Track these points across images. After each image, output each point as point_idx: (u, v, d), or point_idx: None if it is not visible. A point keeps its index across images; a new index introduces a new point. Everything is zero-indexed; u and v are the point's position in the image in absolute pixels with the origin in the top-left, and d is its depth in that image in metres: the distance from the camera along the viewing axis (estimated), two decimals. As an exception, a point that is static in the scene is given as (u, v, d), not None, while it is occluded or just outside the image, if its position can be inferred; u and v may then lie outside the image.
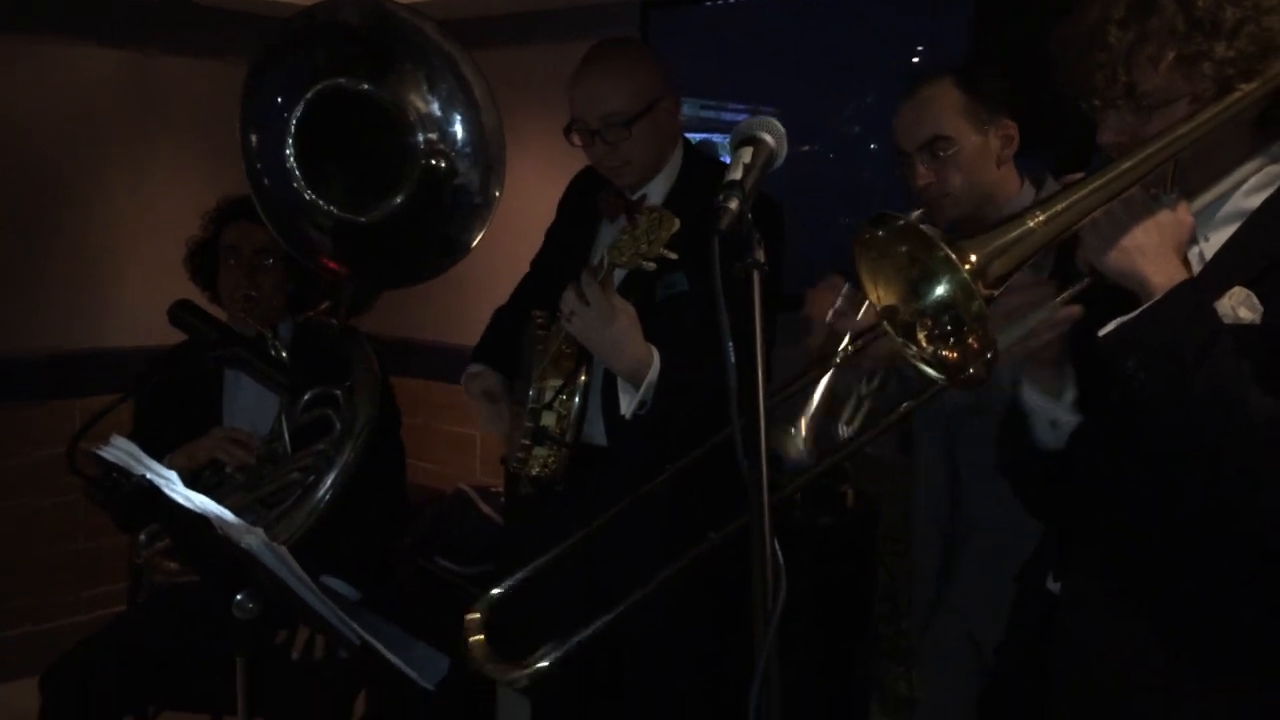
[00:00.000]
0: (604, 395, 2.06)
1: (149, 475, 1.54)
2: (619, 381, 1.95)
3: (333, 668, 2.29)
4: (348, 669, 2.30)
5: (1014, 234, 1.14)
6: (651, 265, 1.80)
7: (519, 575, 1.45)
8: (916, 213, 1.82)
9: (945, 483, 2.03)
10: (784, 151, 1.27)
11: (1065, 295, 1.28)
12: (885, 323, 1.23)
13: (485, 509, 3.29)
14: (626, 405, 1.93)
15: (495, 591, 1.45)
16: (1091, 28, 1.26)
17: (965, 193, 1.87)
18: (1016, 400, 1.39)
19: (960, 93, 1.87)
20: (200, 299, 2.53)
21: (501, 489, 3.35)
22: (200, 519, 1.47)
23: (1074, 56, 1.28)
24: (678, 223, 1.77)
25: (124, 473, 1.57)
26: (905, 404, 1.37)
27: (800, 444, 1.53)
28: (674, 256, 1.77)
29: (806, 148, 3.35)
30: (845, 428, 1.49)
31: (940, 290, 1.15)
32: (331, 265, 2.40)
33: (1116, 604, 1.33)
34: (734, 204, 1.15)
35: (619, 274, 1.95)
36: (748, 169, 1.20)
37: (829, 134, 3.27)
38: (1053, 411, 1.36)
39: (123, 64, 3.72)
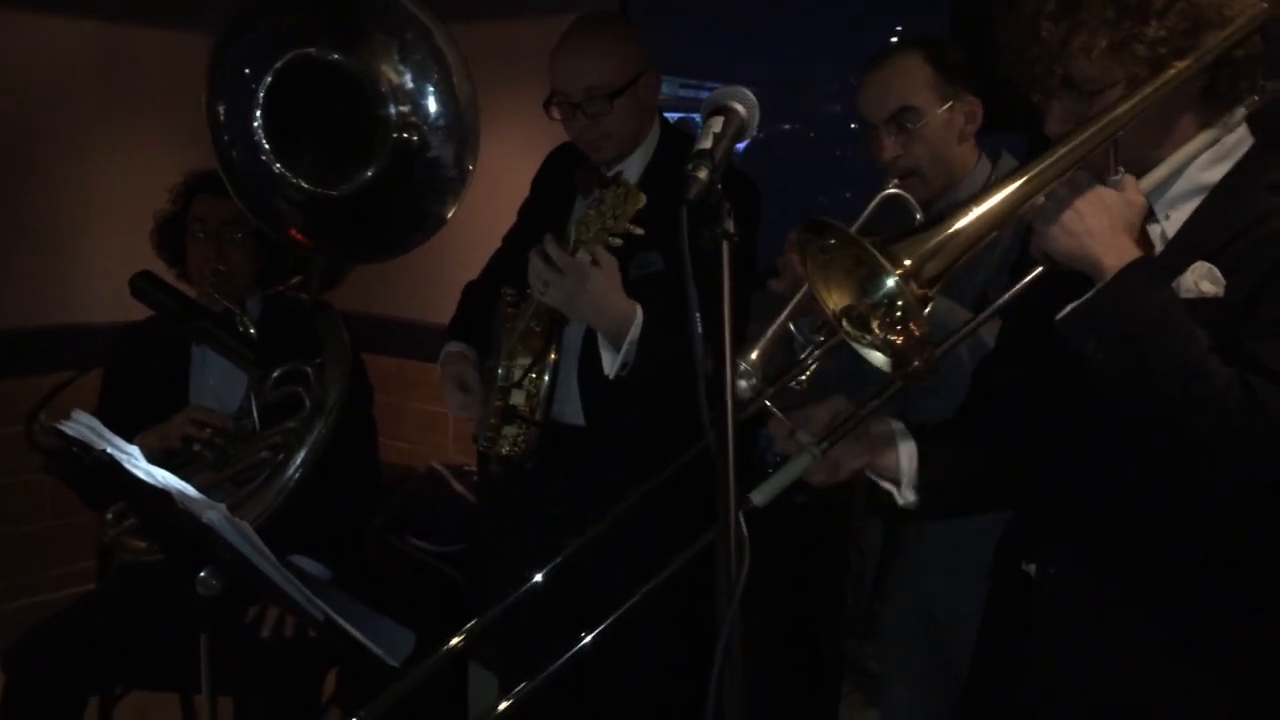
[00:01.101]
0: (581, 367, 2.04)
1: (110, 450, 1.52)
2: (600, 341, 1.92)
3: (303, 646, 2.26)
4: (318, 647, 2.28)
5: (945, 234, 1.16)
6: (618, 241, 1.78)
7: (506, 602, 1.44)
8: (894, 182, 1.81)
9: None
10: (755, 121, 1.25)
11: (1017, 287, 1.29)
12: (844, 322, 1.24)
13: (458, 487, 3.26)
14: (609, 364, 1.89)
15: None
16: (1025, 22, 1.27)
17: (931, 169, 1.87)
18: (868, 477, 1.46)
19: (929, 66, 1.87)
20: (168, 275, 2.49)
21: (474, 467, 3.33)
22: (161, 494, 1.45)
23: (1010, 51, 1.29)
24: (644, 198, 1.75)
25: (84, 447, 1.54)
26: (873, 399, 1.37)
27: (743, 381, 1.52)
28: (640, 232, 1.75)
29: (787, 126, 3.35)
30: (797, 384, 1.47)
31: (884, 289, 1.17)
32: (301, 239, 2.37)
33: (1090, 584, 1.33)
34: (703, 173, 1.13)
35: (584, 254, 1.94)
36: (718, 138, 1.19)
37: (809, 113, 3.26)
38: (894, 494, 1.43)
39: (94, 35, 3.66)
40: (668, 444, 1.44)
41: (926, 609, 1.97)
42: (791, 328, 1.61)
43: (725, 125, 1.21)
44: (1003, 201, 1.18)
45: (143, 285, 2.25)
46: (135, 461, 1.52)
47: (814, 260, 1.23)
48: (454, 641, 1.35)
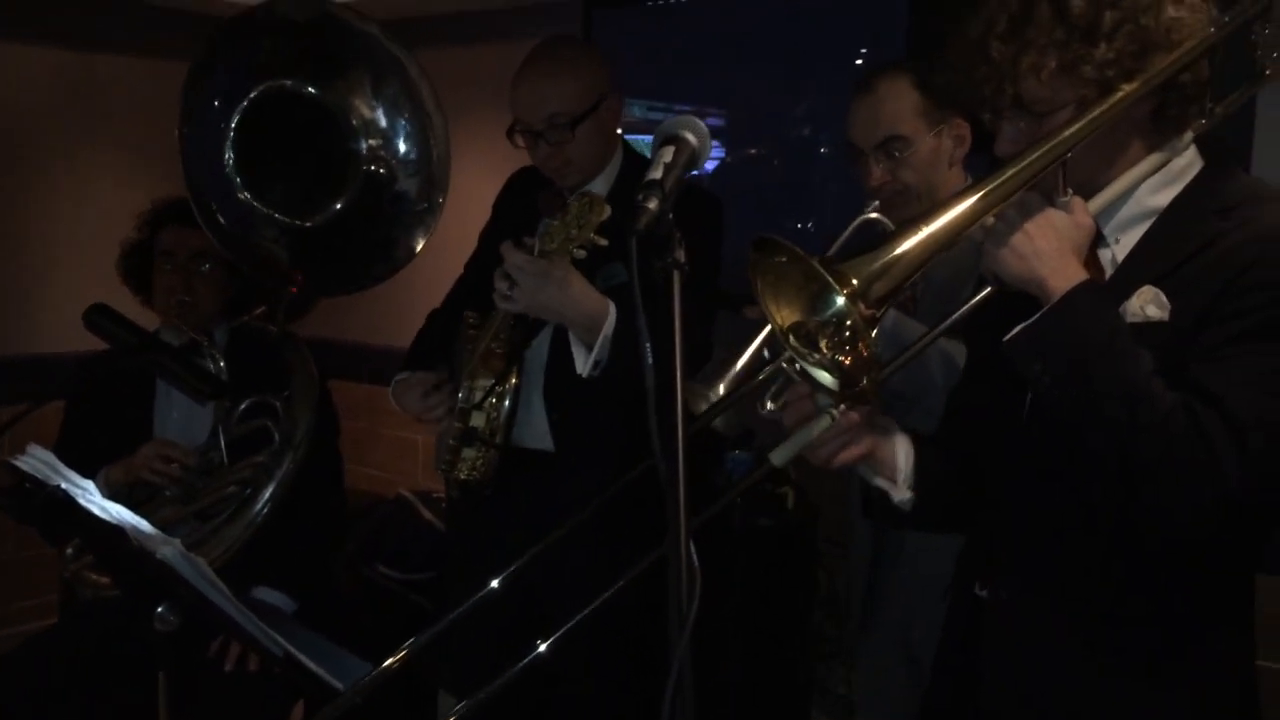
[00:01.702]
0: (547, 388, 2.03)
1: (64, 485, 1.50)
2: (571, 340, 1.89)
3: (267, 679, 2.24)
4: (283, 680, 2.25)
5: (891, 255, 1.16)
6: (582, 253, 1.77)
7: (455, 613, 1.42)
8: (873, 205, 1.81)
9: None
10: (707, 150, 1.26)
11: (966, 308, 1.29)
12: (791, 337, 1.24)
13: (427, 514, 3.25)
14: (582, 362, 1.86)
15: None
16: (974, 42, 1.27)
17: (918, 192, 1.87)
18: (861, 475, 1.43)
19: (917, 92, 1.86)
20: (133, 303, 2.48)
21: (443, 494, 3.31)
22: (116, 530, 1.43)
23: (960, 71, 1.30)
24: (608, 209, 1.75)
25: (38, 483, 1.52)
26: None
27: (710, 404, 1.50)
28: (604, 242, 1.74)
29: (754, 150, 3.35)
30: (770, 404, 1.46)
31: (833, 308, 1.17)
32: (270, 271, 2.36)
33: (1041, 609, 1.33)
34: (653, 203, 1.14)
35: None
36: (668, 168, 1.20)
37: (775, 134, 3.27)
38: (890, 491, 1.41)
39: (59, 62, 3.65)
40: (626, 469, 1.43)
41: (904, 635, 1.97)
42: (766, 354, 1.60)
43: (676, 155, 1.21)
44: (950, 222, 1.18)
45: (96, 318, 2.23)
46: (89, 497, 1.50)
47: (764, 278, 1.23)
48: (389, 662, 1.33)
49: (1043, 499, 1.33)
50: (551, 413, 2.06)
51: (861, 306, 1.12)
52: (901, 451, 1.40)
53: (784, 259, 1.18)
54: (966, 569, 1.46)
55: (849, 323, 1.15)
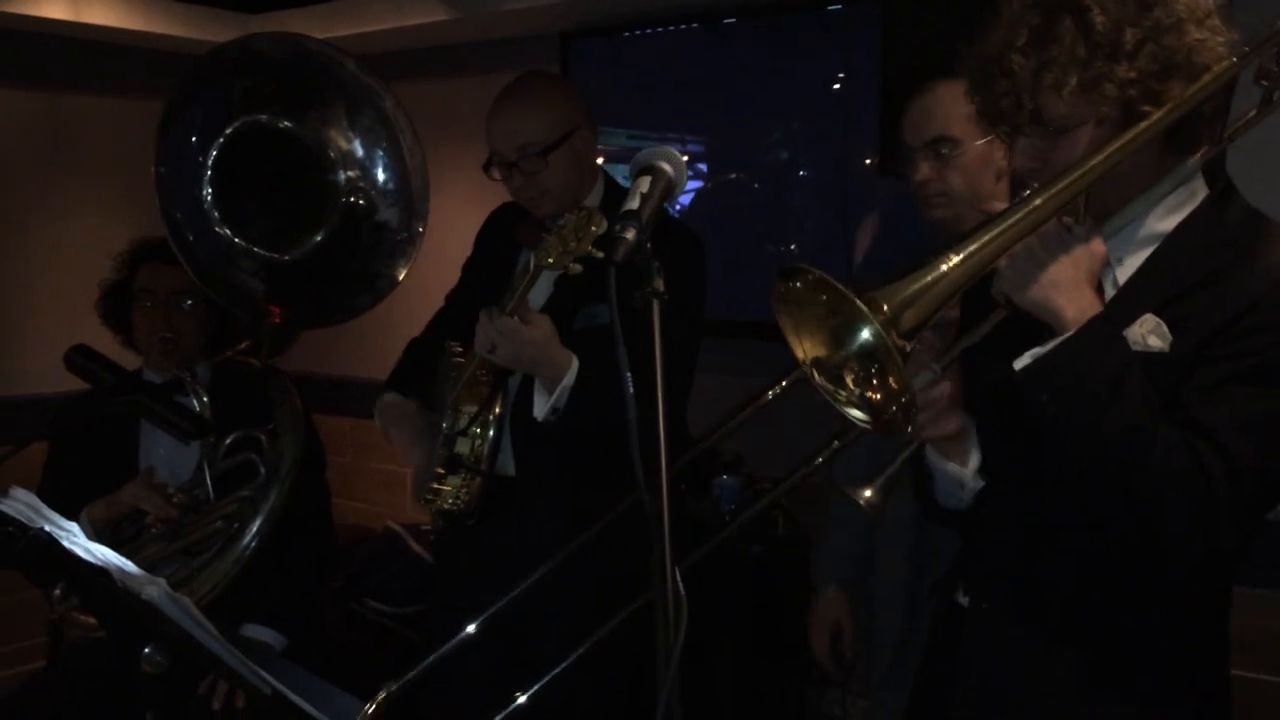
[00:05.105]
0: (514, 415, 2.04)
1: (47, 528, 1.49)
2: (535, 385, 1.93)
3: (257, 716, 2.22)
4: (272, 717, 2.23)
5: (926, 280, 1.13)
6: (578, 267, 1.77)
7: (426, 662, 1.40)
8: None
9: (865, 531, 2.05)
10: (683, 180, 1.27)
11: (982, 329, 1.28)
12: (814, 372, 1.20)
13: (416, 547, 3.23)
14: (540, 407, 1.90)
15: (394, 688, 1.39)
16: (994, 55, 1.25)
17: (960, 195, 1.85)
18: (922, 461, 1.41)
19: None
20: (113, 343, 2.47)
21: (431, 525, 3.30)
22: (100, 572, 1.42)
23: (979, 84, 1.28)
24: (605, 221, 1.74)
25: (21, 526, 1.51)
26: (835, 443, 1.34)
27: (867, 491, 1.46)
28: (601, 255, 1.74)
29: (734, 175, 3.38)
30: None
31: (861, 338, 1.13)
32: (250, 305, 2.36)
33: (1018, 617, 1.34)
34: (630, 234, 1.15)
35: (544, 285, 1.91)
36: (645, 199, 1.21)
37: (754, 161, 3.29)
38: (959, 476, 1.39)
39: (32, 104, 3.65)
40: (600, 492, 1.43)
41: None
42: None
43: (652, 185, 1.22)
44: (981, 250, 1.16)
45: (76, 359, 2.22)
46: (73, 539, 1.50)
47: (785, 307, 1.18)
48: (367, 709, 1.32)
49: (1022, 511, 1.34)
50: (516, 437, 2.07)
51: (894, 336, 1.08)
52: (974, 438, 1.39)
53: (809, 285, 1.14)
54: (951, 576, 1.47)
55: (878, 354, 1.11)
